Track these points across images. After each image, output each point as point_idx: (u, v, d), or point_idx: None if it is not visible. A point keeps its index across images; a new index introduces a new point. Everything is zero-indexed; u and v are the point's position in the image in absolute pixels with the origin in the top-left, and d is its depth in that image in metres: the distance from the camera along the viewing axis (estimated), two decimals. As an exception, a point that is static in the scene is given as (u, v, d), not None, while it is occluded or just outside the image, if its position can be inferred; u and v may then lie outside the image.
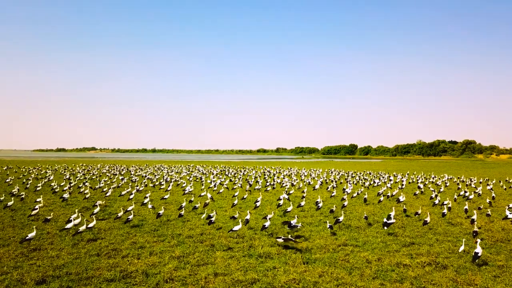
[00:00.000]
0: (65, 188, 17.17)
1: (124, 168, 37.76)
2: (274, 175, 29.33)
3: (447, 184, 22.43)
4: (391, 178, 26.14)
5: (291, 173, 31.65)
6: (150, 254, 7.03)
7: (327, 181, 24.81)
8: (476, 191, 17.04)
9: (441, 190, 18.42)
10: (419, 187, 18.93)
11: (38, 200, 12.96)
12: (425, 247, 7.77)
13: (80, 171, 32.42)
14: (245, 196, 14.87)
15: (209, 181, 23.45)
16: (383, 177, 26.51)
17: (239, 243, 7.99)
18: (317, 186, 19.23)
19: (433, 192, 17.40)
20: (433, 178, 27.69)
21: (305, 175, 29.33)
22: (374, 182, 22.64)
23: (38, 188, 17.31)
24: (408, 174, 33.15)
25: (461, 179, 26.08)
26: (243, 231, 9.10)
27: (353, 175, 29.65)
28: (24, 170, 33.31)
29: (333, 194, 16.66)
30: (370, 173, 32.99)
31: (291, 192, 16.55)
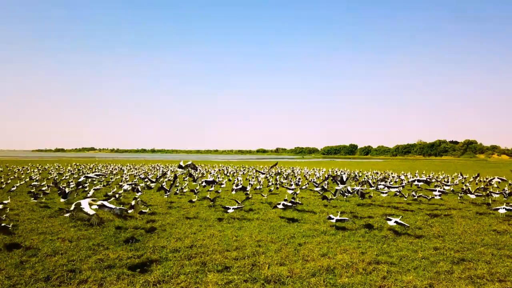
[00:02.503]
0: (43, 188, 15.29)
1: (117, 167, 35.88)
2: (276, 174, 27.49)
3: (467, 184, 20.59)
4: (402, 177, 24.32)
5: (294, 172, 29.83)
6: (118, 278, 5.19)
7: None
8: (505, 191, 15.23)
9: (465, 191, 16.62)
10: (436, 187, 17.17)
11: (5, 202, 11.11)
12: (482, 265, 5.94)
13: (71, 170, 30.54)
14: (250, 196, 13.08)
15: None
16: (393, 177, 24.70)
17: (238, 259, 6.16)
18: (325, 186, 17.37)
19: (456, 192, 15.61)
20: (447, 177, 25.88)
21: (309, 175, 27.51)
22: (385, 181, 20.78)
23: (13, 189, 15.44)
24: (417, 173, 31.31)
25: (478, 179, 24.25)
26: (243, 242, 7.27)
27: (360, 175, 27.82)
28: (9, 169, 31.40)
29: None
30: (377, 173, 31.17)
31: (297, 192, 14.73)
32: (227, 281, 5.10)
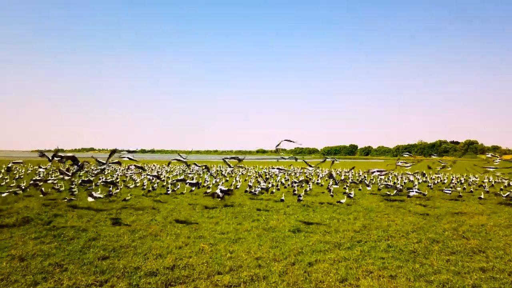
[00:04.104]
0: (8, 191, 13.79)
1: (111, 167, 34.37)
2: (276, 175, 26.00)
3: (485, 184, 19.16)
4: (418, 177, 22.93)
5: (296, 172, 28.38)
6: (61, 321, 3.73)
7: (337, 182, 21.51)
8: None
9: (487, 190, 15.28)
10: (453, 187, 15.77)
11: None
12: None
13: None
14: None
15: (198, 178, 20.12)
16: (407, 178, 23.19)
17: (232, 287, 4.71)
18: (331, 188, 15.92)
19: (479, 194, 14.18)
20: (463, 177, 24.48)
21: (312, 175, 26.06)
22: (395, 183, 19.36)
23: (-14, 191, 13.96)
24: (429, 174, 29.83)
25: (500, 179, 22.82)
26: (239, 259, 5.82)
27: (366, 176, 26.32)
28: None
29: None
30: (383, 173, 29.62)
31: (300, 197, 13.28)
32: (214, 327, 3.64)
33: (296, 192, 14.09)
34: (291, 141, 9.99)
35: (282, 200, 12.59)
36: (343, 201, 11.57)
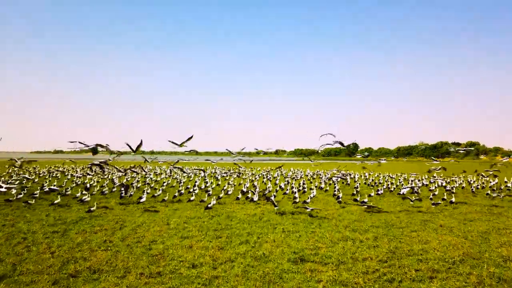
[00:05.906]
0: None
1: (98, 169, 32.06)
2: (275, 178, 23.69)
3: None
4: (431, 181, 20.68)
5: (296, 175, 26.10)
6: None
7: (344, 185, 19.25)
8: None
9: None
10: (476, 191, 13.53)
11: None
12: None
13: (43, 172, 26.80)
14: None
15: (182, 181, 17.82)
16: (421, 181, 20.89)
17: None
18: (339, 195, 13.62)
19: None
20: (481, 179, 22.23)
21: (314, 178, 23.79)
22: (413, 187, 17.08)
23: None
24: (435, 175, 27.57)
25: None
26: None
27: (372, 179, 24.02)
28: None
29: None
30: (390, 176, 27.38)
31: (307, 205, 10.99)
32: None
33: (297, 200, 11.75)
34: (332, 135, 10.20)
35: (275, 206, 10.39)
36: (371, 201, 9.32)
